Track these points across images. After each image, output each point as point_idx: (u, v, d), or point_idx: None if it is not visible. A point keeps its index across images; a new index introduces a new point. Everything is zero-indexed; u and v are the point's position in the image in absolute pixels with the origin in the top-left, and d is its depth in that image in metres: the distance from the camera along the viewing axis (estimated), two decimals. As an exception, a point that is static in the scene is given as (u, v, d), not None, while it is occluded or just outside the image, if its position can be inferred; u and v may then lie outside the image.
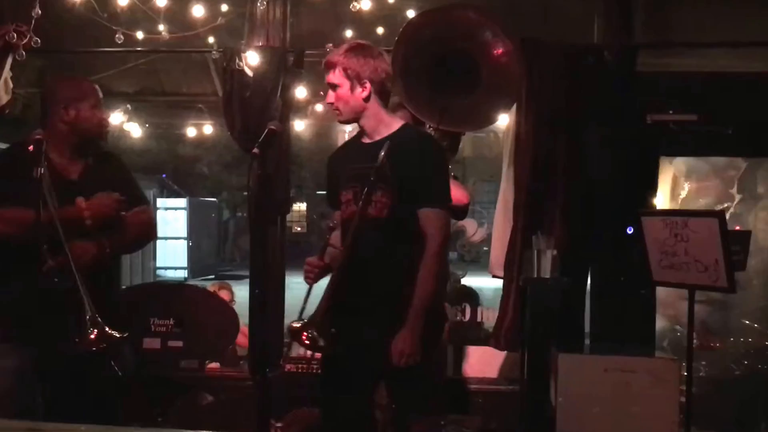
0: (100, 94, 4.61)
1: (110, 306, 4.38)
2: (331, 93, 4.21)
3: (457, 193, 5.07)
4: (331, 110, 4.28)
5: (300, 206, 33.73)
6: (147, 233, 4.86)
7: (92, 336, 4.09)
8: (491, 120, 5.84)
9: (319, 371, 4.49)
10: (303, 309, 4.09)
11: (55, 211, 4.14)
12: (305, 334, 4.00)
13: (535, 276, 5.46)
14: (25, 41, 5.96)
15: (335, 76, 4.18)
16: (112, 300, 4.53)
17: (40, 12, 5.93)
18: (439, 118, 5.22)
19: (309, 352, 4.58)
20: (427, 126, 5.34)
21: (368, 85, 4.18)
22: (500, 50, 5.39)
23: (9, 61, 6.04)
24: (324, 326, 4.02)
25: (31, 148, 4.16)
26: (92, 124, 4.52)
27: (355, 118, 4.25)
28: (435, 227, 4.12)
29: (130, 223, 4.56)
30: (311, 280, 4.16)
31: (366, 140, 4.27)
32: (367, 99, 4.20)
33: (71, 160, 4.51)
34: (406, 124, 4.37)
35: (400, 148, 4.12)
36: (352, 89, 4.17)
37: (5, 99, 6.11)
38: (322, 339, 4.01)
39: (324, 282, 4.20)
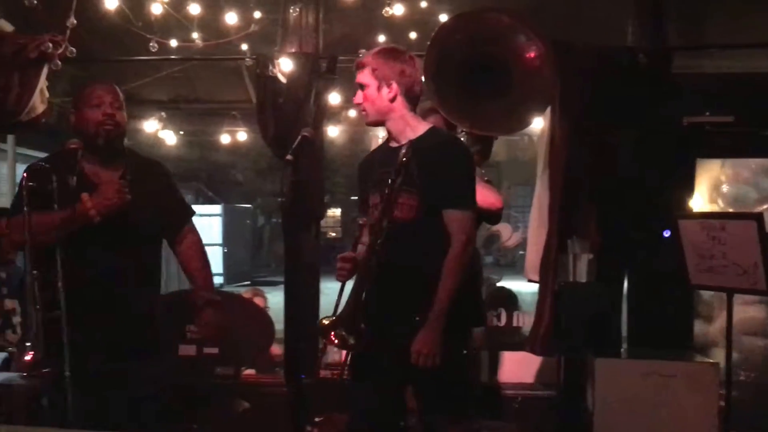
0: (110, 94, 4.50)
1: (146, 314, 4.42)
2: (359, 93, 4.23)
3: (490, 198, 5.07)
4: (359, 110, 4.29)
5: (334, 211, 33.71)
6: (201, 254, 4.94)
7: (27, 358, 4.02)
8: (524, 124, 5.80)
9: (349, 372, 4.48)
10: (337, 306, 4.10)
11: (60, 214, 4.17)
12: (333, 333, 4.00)
13: (571, 280, 5.43)
14: (60, 51, 6.02)
15: (364, 76, 4.20)
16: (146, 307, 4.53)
17: (75, 22, 5.97)
18: (472, 122, 5.21)
19: (343, 358, 4.56)
20: (459, 130, 5.33)
21: (394, 86, 4.19)
22: (533, 54, 5.36)
23: (45, 71, 6.11)
24: (353, 325, 4.01)
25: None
26: (88, 123, 4.42)
27: (381, 120, 4.26)
28: (459, 229, 4.12)
29: (185, 257, 4.77)
30: (344, 277, 4.15)
31: (393, 144, 4.28)
32: (392, 100, 4.20)
33: (103, 167, 4.46)
34: (433, 127, 4.36)
35: (426, 150, 4.13)
36: (378, 89, 4.19)
37: (41, 108, 6.18)
38: (351, 337, 4.00)
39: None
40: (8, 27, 6.47)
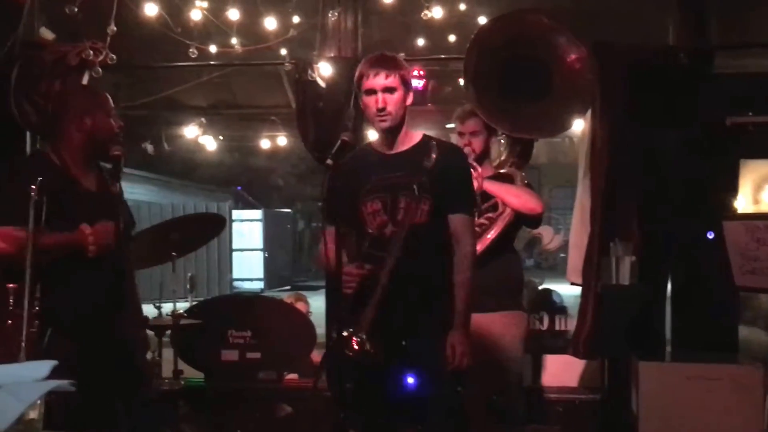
0: (112, 104, 4.49)
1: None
2: (384, 97, 4.16)
3: (531, 202, 5.05)
4: (379, 116, 4.21)
5: (374, 216, 33.63)
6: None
7: None
8: (564, 127, 5.78)
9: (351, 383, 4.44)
10: (347, 320, 4.07)
11: (58, 234, 4.08)
12: (355, 339, 3.97)
13: (614, 283, 5.39)
14: (101, 58, 6.06)
15: (395, 81, 4.16)
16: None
17: (115, 29, 6.01)
18: (512, 125, 5.18)
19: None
20: (499, 133, 5.30)
21: (411, 94, 4.24)
22: (573, 56, 5.34)
23: (85, 78, 6.14)
24: (372, 332, 4.00)
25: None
26: (107, 133, 4.36)
27: (398, 127, 4.23)
28: (467, 231, 4.21)
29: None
30: (352, 289, 4.13)
31: (387, 151, 4.26)
32: (406, 108, 4.23)
33: (86, 170, 4.38)
34: (426, 135, 4.37)
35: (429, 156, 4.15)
36: (405, 97, 4.18)
37: (82, 116, 6.21)
38: (368, 343, 3.98)
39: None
40: (49, 35, 6.53)
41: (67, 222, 4.13)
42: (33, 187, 3.94)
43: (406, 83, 4.17)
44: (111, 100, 4.49)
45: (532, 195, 5.18)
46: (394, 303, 4.03)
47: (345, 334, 4.01)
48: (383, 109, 4.14)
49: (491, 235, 4.99)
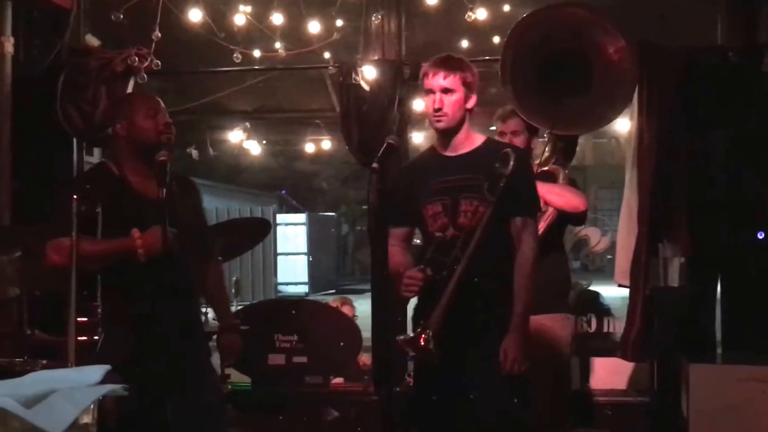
0: (158, 104, 4.36)
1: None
2: (441, 97, 4.16)
3: (574, 200, 5.01)
4: (435, 115, 4.21)
5: (418, 219, 33.58)
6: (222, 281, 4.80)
7: None
8: (606, 121, 5.71)
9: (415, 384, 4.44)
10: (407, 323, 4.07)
11: (109, 241, 4.10)
12: (424, 336, 3.96)
13: (663, 284, 5.33)
14: (146, 64, 6.11)
15: (453, 82, 4.14)
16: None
17: (159, 35, 6.05)
18: (552, 122, 5.13)
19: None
20: (541, 132, 5.26)
21: (474, 97, 4.19)
22: (613, 48, 5.26)
23: (131, 84, 6.20)
24: (439, 333, 3.98)
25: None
26: (147, 133, 4.27)
27: (455, 128, 4.21)
28: (529, 235, 4.17)
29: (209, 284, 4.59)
30: (413, 293, 4.12)
31: (449, 153, 4.24)
32: (470, 111, 4.20)
33: (146, 178, 4.27)
34: (489, 138, 4.35)
35: (491, 160, 4.11)
36: (465, 98, 4.15)
37: (128, 121, 6.25)
38: (433, 342, 3.97)
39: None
40: (95, 42, 6.60)
41: (124, 229, 4.14)
42: (75, 197, 3.98)
43: (467, 85, 4.15)
44: (153, 100, 4.39)
45: (575, 193, 5.14)
46: (457, 307, 4.02)
47: (413, 335, 4.01)
48: (439, 110, 4.14)
49: (537, 233, 4.94)
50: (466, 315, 4.02)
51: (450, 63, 4.19)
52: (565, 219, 5.06)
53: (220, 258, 4.77)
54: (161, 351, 4.16)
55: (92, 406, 2.11)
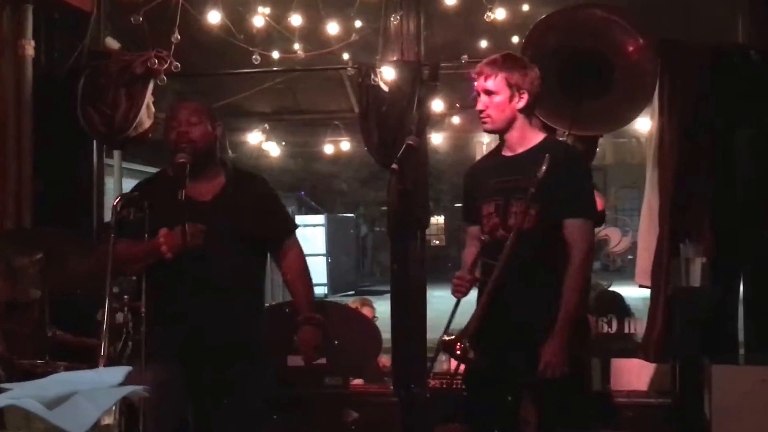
0: (179, 112, 4.50)
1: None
2: (484, 99, 4.16)
3: None
4: (481, 117, 4.22)
5: (438, 219, 33.59)
6: (303, 270, 4.92)
7: None
8: (626, 120, 5.69)
9: (463, 386, 4.45)
10: (450, 323, 4.07)
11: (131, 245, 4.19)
12: (459, 344, 3.97)
13: (685, 285, 5.30)
14: (165, 66, 6.12)
15: (495, 84, 4.15)
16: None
17: (179, 37, 6.07)
18: (571, 123, 5.11)
19: (453, 368, 4.54)
20: (561, 132, 5.24)
21: (525, 95, 4.18)
22: (632, 47, 5.24)
23: (150, 86, 6.21)
24: (474, 339, 3.98)
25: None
26: (170, 142, 4.43)
27: (503, 128, 4.22)
28: (581, 238, 4.13)
29: (287, 273, 4.76)
30: (461, 294, 4.12)
31: (507, 153, 4.25)
32: (521, 110, 4.19)
33: (197, 181, 4.40)
34: (548, 136, 4.33)
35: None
36: (510, 99, 4.14)
37: (147, 123, 6.30)
38: (471, 351, 3.97)
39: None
40: (115, 44, 6.62)
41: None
42: (113, 203, 4.04)
43: (512, 86, 4.15)
44: (176, 108, 4.54)
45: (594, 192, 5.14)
46: (498, 311, 4.01)
47: (448, 338, 4.01)
48: (482, 111, 4.16)
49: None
50: (503, 319, 4.02)
51: (494, 64, 4.21)
52: None
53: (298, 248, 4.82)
54: (198, 349, 4.21)
55: (114, 408, 2.11)
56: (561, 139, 5.22)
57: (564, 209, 4.11)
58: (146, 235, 4.18)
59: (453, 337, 4.02)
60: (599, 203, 5.04)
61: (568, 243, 4.10)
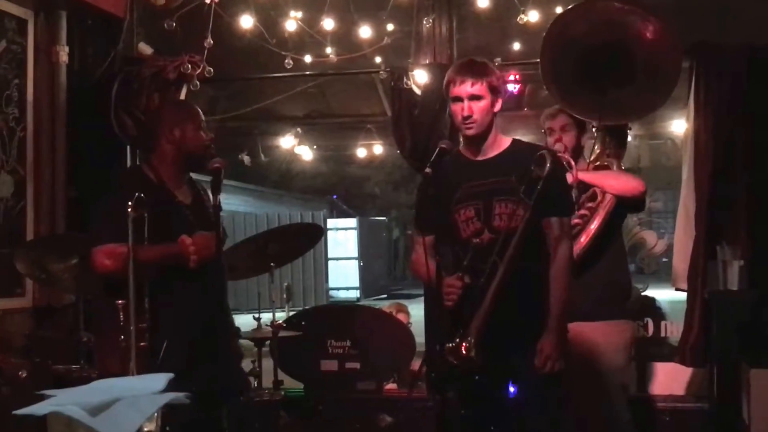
0: (203, 117, 4.50)
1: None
2: (470, 105, 4.12)
3: (631, 182, 5.01)
4: (465, 123, 4.17)
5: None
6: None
7: None
8: (655, 107, 5.62)
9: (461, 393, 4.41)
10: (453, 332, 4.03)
11: (157, 247, 4.13)
12: (465, 344, 3.93)
13: (722, 288, 5.25)
14: (198, 71, 6.14)
15: (481, 89, 4.12)
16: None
17: (212, 42, 6.08)
18: (600, 114, 5.08)
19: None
20: (590, 125, 5.20)
21: (500, 100, 4.21)
22: (651, 33, 5.19)
23: (184, 91, 6.24)
24: (480, 340, 3.95)
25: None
26: (197, 145, 4.38)
27: (484, 133, 4.20)
28: (564, 234, 4.19)
29: None
30: (453, 302, 4.09)
31: (478, 157, 4.22)
32: (495, 114, 4.19)
33: (180, 183, 4.40)
34: (515, 139, 4.33)
35: (521, 161, 4.13)
36: (492, 104, 4.14)
37: (180, 128, 6.29)
38: (474, 352, 3.94)
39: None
40: (148, 50, 6.64)
41: (167, 235, 4.18)
42: (130, 203, 4.00)
43: (494, 90, 4.15)
44: (201, 113, 4.50)
45: (631, 175, 5.11)
46: (498, 312, 3.99)
47: (453, 342, 3.97)
48: (469, 117, 4.12)
49: (594, 225, 4.87)
50: (506, 320, 4.00)
51: (476, 69, 4.17)
52: (624, 205, 4.99)
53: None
54: (211, 356, 4.18)
55: (156, 414, 2.11)
56: (591, 140, 5.21)
57: (546, 209, 4.11)
58: (146, 238, 4.10)
59: (456, 341, 3.98)
60: (640, 184, 5.00)
61: (552, 240, 4.14)
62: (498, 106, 4.18)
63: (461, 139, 4.37)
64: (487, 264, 4.01)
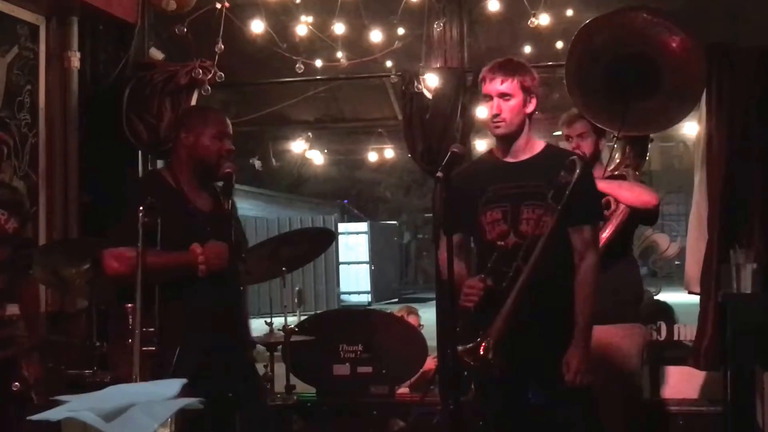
0: (228, 128, 4.35)
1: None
2: (499, 103, 4.09)
3: (645, 195, 4.95)
4: (493, 121, 4.14)
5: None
6: None
7: None
8: (676, 120, 5.62)
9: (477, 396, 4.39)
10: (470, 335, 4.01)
11: (167, 254, 4.07)
12: (484, 345, 3.91)
13: (735, 291, 5.23)
14: (209, 76, 6.15)
15: (511, 87, 4.07)
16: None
17: (223, 47, 6.08)
18: (621, 125, 5.07)
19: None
20: (610, 134, 5.18)
21: (534, 100, 4.13)
22: (679, 48, 5.19)
23: (195, 96, 6.24)
24: (500, 343, 3.93)
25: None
26: (209, 153, 4.25)
27: (515, 134, 4.14)
28: (591, 243, 4.12)
29: None
30: (472, 303, 4.05)
31: (509, 159, 4.18)
32: (530, 115, 4.14)
33: (199, 190, 4.31)
34: (549, 144, 4.29)
35: (553, 167, 4.07)
36: (524, 103, 4.09)
37: (192, 134, 6.30)
38: (492, 354, 3.91)
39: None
40: (159, 55, 6.66)
41: (180, 241, 4.11)
42: (140, 208, 3.97)
43: (526, 90, 4.08)
44: (225, 123, 4.36)
45: (646, 188, 5.08)
46: (519, 317, 3.96)
47: (472, 344, 3.95)
48: (497, 115, 4.08)
49: (606, 233, 4.84)
50: (527, 325, 3.97)
51: (508, 67, 4.12)
52: (637, 217, 4.98)
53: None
54: (226, 363, 4.16)
55: (170, 420, 2.11)
56: (609, 144, 5.18)
57: (575, 216, 4.05)
58: (158, 243, 4.08)
59: (472, 344, 3.95)
60: (653, 198, 4.98)
61: (578, 249, 4.08)
62: (531, 107, 4.11)
63: (484, 143, 4.34)
64: (511, 268, 3.99)
